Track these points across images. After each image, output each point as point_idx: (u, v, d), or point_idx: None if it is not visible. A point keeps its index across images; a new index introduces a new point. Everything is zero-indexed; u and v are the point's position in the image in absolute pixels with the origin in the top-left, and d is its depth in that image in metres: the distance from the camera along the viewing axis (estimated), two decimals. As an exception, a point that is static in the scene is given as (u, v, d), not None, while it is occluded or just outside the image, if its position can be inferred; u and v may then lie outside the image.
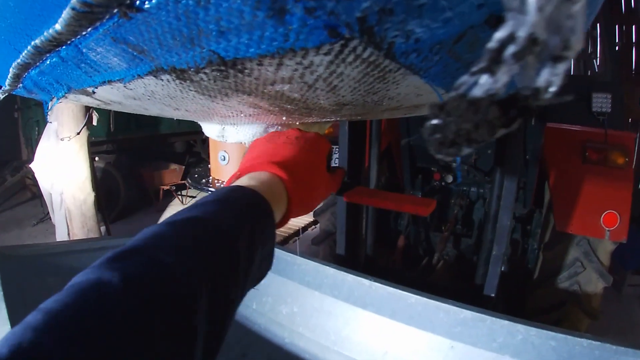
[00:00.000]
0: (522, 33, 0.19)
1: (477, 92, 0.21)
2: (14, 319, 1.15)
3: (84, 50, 0.40)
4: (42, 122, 5.67)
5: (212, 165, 0.68)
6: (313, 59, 0.32)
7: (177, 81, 0.40)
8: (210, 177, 2.52)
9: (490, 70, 0.20)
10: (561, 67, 0.21)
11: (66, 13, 0.31)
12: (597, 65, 3.19)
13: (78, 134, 3.33)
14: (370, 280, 1.45)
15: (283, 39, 0.29)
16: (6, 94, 0.85)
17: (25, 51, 0.51)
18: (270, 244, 0.51)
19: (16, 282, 1.26)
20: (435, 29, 0.27)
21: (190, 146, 6.94)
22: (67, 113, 3.30)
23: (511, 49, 0.20)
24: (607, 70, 2.79)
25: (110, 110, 5.15)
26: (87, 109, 3.33)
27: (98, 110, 3.52)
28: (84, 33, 0.34)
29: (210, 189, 2.37)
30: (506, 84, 0.21)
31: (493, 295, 1.83)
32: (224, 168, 0.66)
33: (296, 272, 1.56)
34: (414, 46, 0.29)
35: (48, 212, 5.27)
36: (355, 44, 0.29)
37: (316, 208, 2.93)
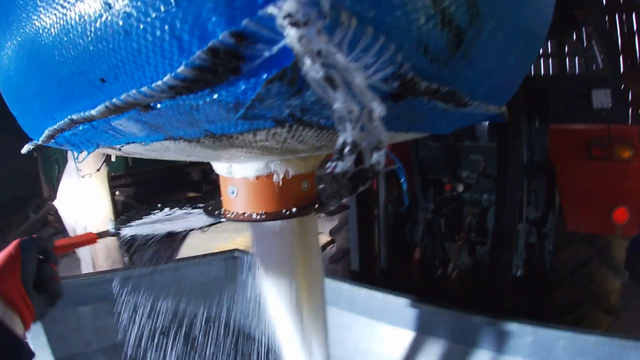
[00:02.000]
0: (349, 140, 0.33)
1: (337, 170, 0.36)
2: (50, 346, 1.25)
3: (113, 124, 0.50)
4: (61, 160, 5.86)
5: (223, 198, 0.76)
6: (275, 131, 0.45)
7: (186, 143, 0.51)
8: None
9: (341, 159, 0.35)
10: (381, 153, 0.34)
11: (101, 107, 0.41)
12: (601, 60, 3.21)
13: (98, 170, 3.47)
14: (383, 293, 1.51)
15: (250, 126, 0.43)
16: (35, 146, 0.95)
17: (62, 121, 0.61)
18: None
19: (51, 312, 1.36)
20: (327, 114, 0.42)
21: (206, 174, 7.08)
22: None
23: (347, 149, 0.34)
24: (605, 64, 2.83)
25: (127, 145, 5.34)
26: (105, 146, 3.46)
27: (115, 146, 3.66)
28: (113, 116, 0.44)
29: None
30: (351, 165, 0.35)
31: (508, 301, 1.86)
32: (234, 200, 0.74)
33: None
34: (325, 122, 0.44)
35: (72, 247, 5.45)
36: (294, 125, 0.43)
37: (332, 227, 3.01)
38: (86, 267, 3.54)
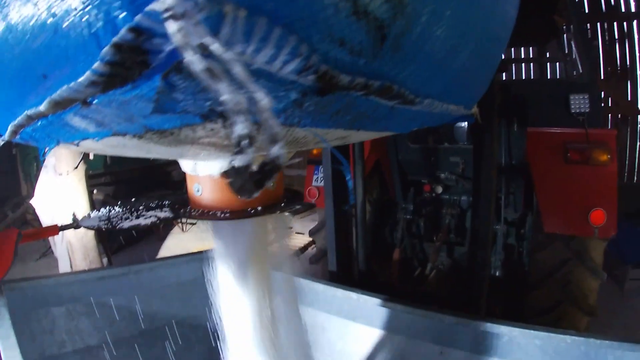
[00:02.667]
0: (244, 132, 0.33)
1: (237, 163, 0.36)
2: (22, 347, 1.21)
3: (65, 119, 0.50)
4: (40, 158, 5.78)
5: (189, 196, 0.76)
6: (210, 126, 0.44)
7: (135, 139, 0.50)
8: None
9: (240, 152, 0.35)
10: (279, 146, 0.34)
11: (46, 102, 0.43)
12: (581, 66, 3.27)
13: (76, 168, 3.41)
14: (358, 293, 1.51)
15: (180, 121, 0.42)
16: (5, 142, 0.94)
17: (20, 117, 0.60)
18: None
19: (23, 312, 1.33)
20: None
21: (177, 194, 7.01)
22: (64, 149, 3.39)
23: (244, 142, 0.34)
24: (585, 71, 2.88)
25: (104, 145, 5.29)
26: (83, 144, 3.41)
27: (94, 144, 3.61)
28: (60, 111, 0.44)
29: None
30: (252, 158, 0.35)
31: (484, 301, 1.87)
32: (199, 198, 0.74)
33: (289, 290, 1.62)
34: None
35: (50, 247, 5.34)
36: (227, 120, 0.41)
37: (312, 227, 3.02)
38: (64, 267, 3.48)
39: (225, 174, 0.38)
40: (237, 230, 0.94)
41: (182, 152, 0.62)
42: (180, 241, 3.87)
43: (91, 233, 3.38)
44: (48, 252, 5.36)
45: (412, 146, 2.74)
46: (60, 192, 3.44)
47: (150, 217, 0.98)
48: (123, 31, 0.32)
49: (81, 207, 3.41)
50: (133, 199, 1.06)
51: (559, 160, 2.37)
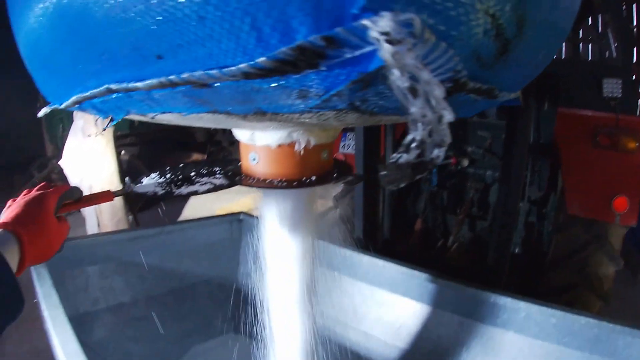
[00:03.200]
0: (417, 138, 0.38)
1: (401, 160, 0.41)
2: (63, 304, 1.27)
3: (153, 95, 0.52)
4: (66, 120, 5.86)
5: (243, 164, 0.78)
6: (324, 113, 0.49)
7: (227, 116, 0.53)
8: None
9: (406, 152, 0.40)
10: (442, 150, 0.39)
11: (153, 81, 0.46)
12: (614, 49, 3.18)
13: (104, 130, 3.48)
14: (384, 260, 1.55)
15: (305, 106, 0.46)
16: (52, 109, 0.97)
17: (96, 89, 0.63)
18: (6, 285, 0.66)
19: (59, 271, 1.39)
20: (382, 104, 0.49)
21: (211, 135, 7.07)
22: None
23: (414, 144, 0.39)
24: (618, 54, 2.82)
25: (134, 105, 5.36)
26: (112, 106, 3.47)
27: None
28: (159, 89, 0.48)
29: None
30: (415, 157, 0.40)
31: (503, 276, 1.91)
32: (255, 167, 0.77)
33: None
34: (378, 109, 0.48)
35: (75, 206, 5.50)
36: (347, 111, 0.49)
37: (334, 194, 3.06)
38: (91, 225, 3.59)
39: (385, 168, 0.41)
40: (289, 199, 0.98)
41: (256, 126, 0.66)
42: (203, 201, 3.93)
43: (119, 192, 3.49)
44: (74, 211, 5.53)
45: None
46: (88, 154, 3.53)
47: (206, 184, 1.02)
48: (316, 37, 0.36)
49: (109, 168, 3.50)
50: (181, 164, 1.09)
51: (587, 143, 2.35)
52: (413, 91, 0.35)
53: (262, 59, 0.38)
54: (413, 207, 3.01)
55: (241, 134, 0.87)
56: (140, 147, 5.86)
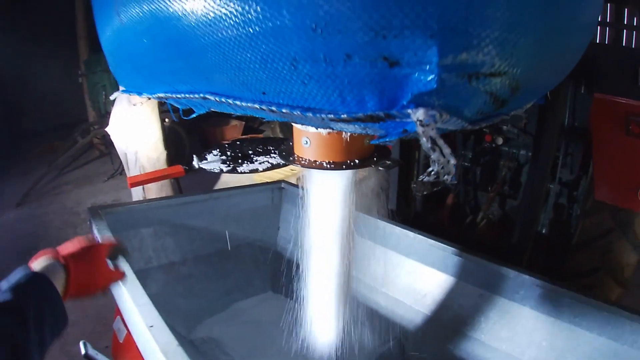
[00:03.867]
0: (434, 170, 0.60)
1: (425, 179, 0.62)
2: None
3: (241, 105, 0.70)
4: (108, 87, 6.09)
5: (296, 146, 0.89)
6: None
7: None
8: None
9: (427, 176, 0.62)
10: (450, 177, 0.60)
11: (253, 104, 0.70)
12: None
13: (149, 98, 3.65)
14: (414, 232, 1.67)
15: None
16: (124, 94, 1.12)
17: (190, 94, 0.79)
18: (57, 307, 0.80)
19: (116, 233, 1.51)
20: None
21: (282, 142, 7.15)
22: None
23: (432, 173, 0.61)
24: None
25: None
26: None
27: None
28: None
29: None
30: (433, 179, 0.62)
31: (527, 254, 1.99)
32: (307, 149, 0.87)
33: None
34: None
35: (118, 168, 5.78)
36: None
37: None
38: (136, 191, 3.81)
39: (415, 184, 0.64)
40: (334, 177, 1.12)
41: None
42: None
43: (163, 159, 3.67)
44: (116, 173, 5.83)
45: None
46: (134, 122, 3.71)
47: (264, 162, 1.15)
48: (380, 112, 0.58)
49: (154, 135, 3.68)
50: (237, 141, 1.24)
51: (619, 130, 2.34)
52: (433, 147, 0.56)
53: (344, 115, 0.60)
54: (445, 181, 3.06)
55: None
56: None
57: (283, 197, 2.14)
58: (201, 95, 0.77)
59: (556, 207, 2.60)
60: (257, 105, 0.67)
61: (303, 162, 1.03)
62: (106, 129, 4.06)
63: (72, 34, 6.73)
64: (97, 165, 6.53)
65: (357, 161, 1.01)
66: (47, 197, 5.34)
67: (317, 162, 1.01)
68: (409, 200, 2.34)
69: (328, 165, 1.00)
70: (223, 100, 0.73)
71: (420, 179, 0.67)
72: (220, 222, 2.00)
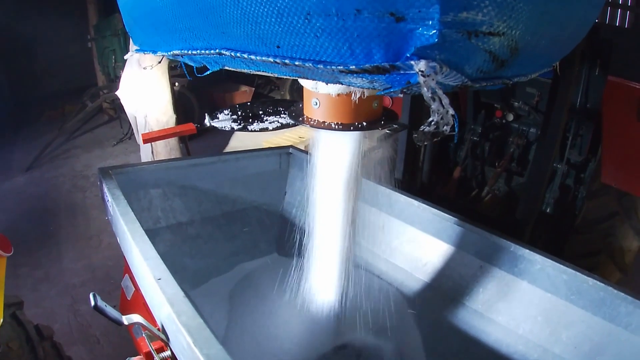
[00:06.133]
0: (434, 120, 0.62)
1: (426, 129, 0.64)
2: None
3: (258, 61, 0.72)
4: (118, 51, 6.06)
5: (306, 107, 0.90)
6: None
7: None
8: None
9: (428, 126, 0.63)
10: (449, 127, 0.63)
11: (267, 57, 0.71)
12: None
13: (159, 62, 3.64)
14: (418, 201, 1.68)
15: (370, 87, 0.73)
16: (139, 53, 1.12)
17: (205, 50, 0.80)
18: None
19: (126, 193, 1.53)
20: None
21: (291, 103, 7.15)
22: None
23: (432, 123, 0.63)
24: None
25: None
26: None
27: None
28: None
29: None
30: (433, 129, 0.64)
31: (529, 230, 2.00)
32: (316, 110, 0.89)
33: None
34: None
35: (127, 133, 5.82)
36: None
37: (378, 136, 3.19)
38: (145, 152, 3.85)
39: (416, 133, 0.66)
40: (342, 139, 1.14)
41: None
42: (249, 133, 4.15)
43: (172, 122, 3.69)
44: (125, 138, 5.87)
45: None
46: (144, 85, 3.71)
47: (274, 122, 1.17)
48: (386, 64, 0.61)
49: (164, 98, 3.69)
50: (248, 103, 1.26)
51: (630, 115, 2.33)
52: (433, 98, 0.60)
53: (352, 67, 0.63)
54: (454, 155, 3.04)
55: (306, 82, 1.02)
56: (193, 77, 6.03)
57: (291, 162, 2.16)
58: (217, 51, 0.79)
59: (562, 187, 2.60)
60: (271, 59, 0.70)
61: (312, 122, 1.05)
62: (116, 93, 4.07)
63: (82, -1, 6.67)
64: (106, 129, 6.58)
65: (364, 124, 1.02)
66: (57, 160, 5.41)
67: (326, 123, 1.02)
68: (415, 171, 2.35)
69: (336, 126, 1.01)
70: (238, 55, 0.75)
71: (421, 129, 0.65)
72: (228, 184, 2.02)
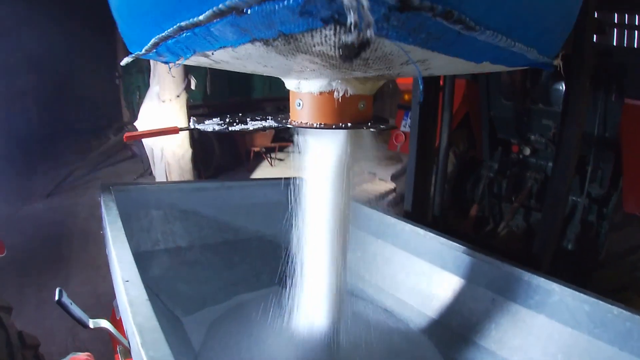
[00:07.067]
0: (351, 21, 0.50)
1: (348, 40, 0.54)
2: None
3: (211, 29, 0.66)
4: (142, 88, 6.27)
5: (290, 110, 0.90)
6: (326, 33, 0.57)
7: (264, 46, 0.65)
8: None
9: (350, 32, 0.52)
10: (370, 30, 0.50)
11: (208, 12, 0.60)
12: None
13: (178, 96, 3.74)
14: (424, 230, 1.59)
15: (306, 25, 0.57)
16: (135, 58, 1.12)
17: (170, 29, 0.77)
18: None
19: (126, 211, 1.51)
20: None
21: (280, 111, 7.24)
22: (168, 78, 3.72)
23: (352, 27, 0.51)
24: None
25: (206, 77, 5.62)
26: (186, 75, 3.71)
27: (196, 76, 3.91)
28: (215, 21, 0.61)
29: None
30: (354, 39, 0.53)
31: (545, 266, 1.88)
32: (299, 111, 0.88)
33: (362, 221, 1.73)
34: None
35: (147, 169, 5.92)
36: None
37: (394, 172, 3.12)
38: (160, 177, 3.89)
39: (339, 45, 0.55)
40: (327, 140, 1.10)
41: (292, 65, 0.76)
42: (268, 174, 4.17)
43: (188, 156, 3.74)
44: (145, 173, 5.97)
45: (505, 103, 2.65)
46: (162, 117, 3.80)
47: (256, 124, 1.16)
48: None
49: (181, 133, 3.75)
50: (240, 114, 1.25)
51: None
52: None
53: None
54: (471, 192, 2.99)
55: (290, 83, 1.00)
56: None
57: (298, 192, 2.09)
58: (178, 26, 0.75)
59: (583, 222, 2.49)
60: (213, 11, 0.62)
61: (294, 122, 1.03)
62: (134, 124, 4.18)
63: (112, 38, 6.98)
64: (129, 164, 6.74)
65: (349, 124, 0.99)
66: (77, 190, 5.56)
67: (308, 123, 1.00)
68: (426, 204, 2.27)
69: (318, 126, 0.99)
70: (191, 22, 0.69)
71: (342, 42, 0.56)
72: (231, 212, 1.98)
